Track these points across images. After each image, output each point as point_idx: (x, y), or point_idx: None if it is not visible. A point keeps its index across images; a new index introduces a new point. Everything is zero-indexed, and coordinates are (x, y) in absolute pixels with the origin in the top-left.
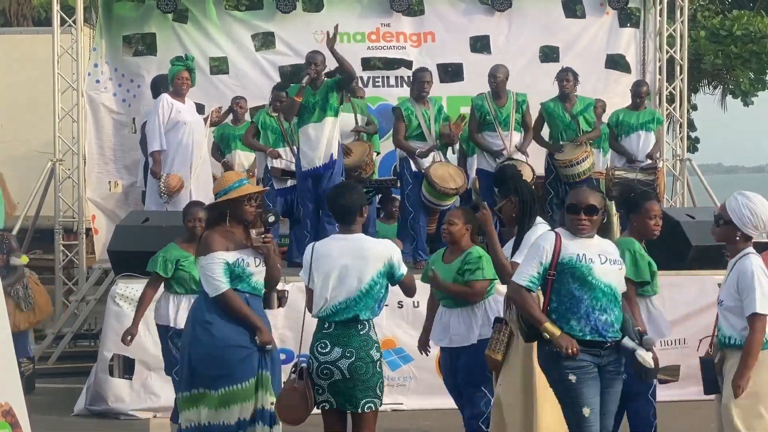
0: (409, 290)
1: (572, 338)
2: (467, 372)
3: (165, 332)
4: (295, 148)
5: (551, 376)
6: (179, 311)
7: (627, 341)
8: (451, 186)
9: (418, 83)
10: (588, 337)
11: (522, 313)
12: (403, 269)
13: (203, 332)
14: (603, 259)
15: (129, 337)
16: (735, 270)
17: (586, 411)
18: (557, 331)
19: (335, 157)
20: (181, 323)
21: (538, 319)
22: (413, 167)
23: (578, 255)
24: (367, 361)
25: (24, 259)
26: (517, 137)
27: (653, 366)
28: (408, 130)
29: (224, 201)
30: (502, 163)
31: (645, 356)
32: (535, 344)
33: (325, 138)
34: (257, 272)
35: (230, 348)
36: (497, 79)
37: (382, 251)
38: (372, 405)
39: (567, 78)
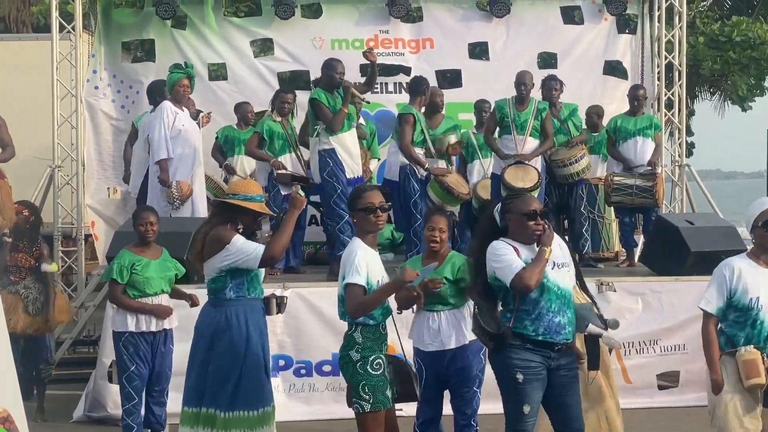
0: (348, 305)
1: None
2: (462, 373)
3: (119, 338)
4: (300, 153)
5: (500, 373)
6: (137, 315)
7: (592, 327)
8: (464, 192)
9: (437, 96)
10: (540, 338)
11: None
12: (349, 279)
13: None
14: (552, 264)
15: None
16: None
17: (526, 408)
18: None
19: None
20: (141, 327)
21: (541, 259)
22: (419, 174)
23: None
24: (346, 360)
25: (54, 267)
26: (531, 143)
27: (620, 346)
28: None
29: (238, 205)
30: (509, 165)
31: (612, 337)
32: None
33: (358, 147)
34: (259, 275)
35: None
36: (527, 87)
37: (344, 256)
38: (358, 407)
39: (555, 87)
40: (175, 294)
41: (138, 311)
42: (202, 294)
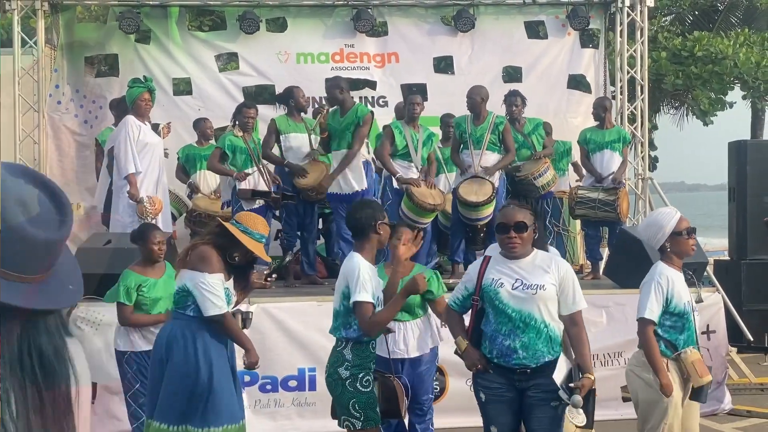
0: (363, 324)
1: (482, 357)
2: (422, 380)
3: (122, 356)
4: (262, 167)
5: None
6: (140, 335)
7: (561, 393)
8: (429, 201)
9: (410, 105)
10: (495, 361)
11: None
12: (358, 297)
13: (201, 359)
14: (517, 284)
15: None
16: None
17: (493, 429)
18: (463, 345)
19: (365, 187)
20: (141, 347)
21: (453, 333)
22: (395, 184)
23: (492, 279)
24: (335, 377)
25: None
26: (489, 156)
27: (581, 426)
28: (393, 148)
29: (238, 237)
30: (465, 180)
31: (575, 415)
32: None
33: (359, 165)
34: (233, 299)
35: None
36: (474, 100)
37: (346, 271)
38: (349, 424)
39: (515, 103)
40: None
41: (156, 323)
42: None
